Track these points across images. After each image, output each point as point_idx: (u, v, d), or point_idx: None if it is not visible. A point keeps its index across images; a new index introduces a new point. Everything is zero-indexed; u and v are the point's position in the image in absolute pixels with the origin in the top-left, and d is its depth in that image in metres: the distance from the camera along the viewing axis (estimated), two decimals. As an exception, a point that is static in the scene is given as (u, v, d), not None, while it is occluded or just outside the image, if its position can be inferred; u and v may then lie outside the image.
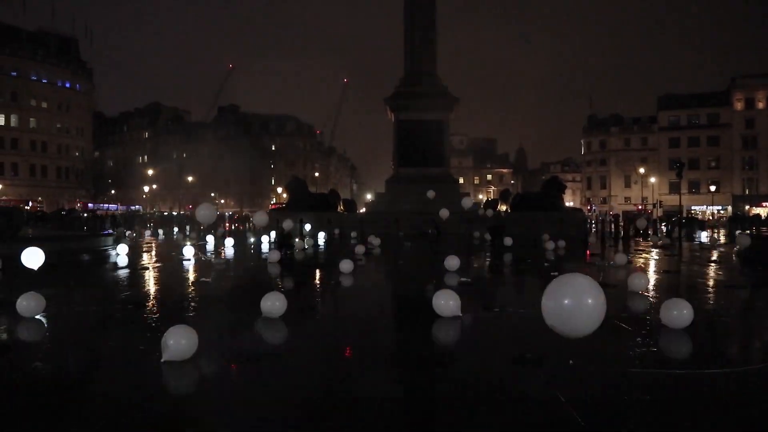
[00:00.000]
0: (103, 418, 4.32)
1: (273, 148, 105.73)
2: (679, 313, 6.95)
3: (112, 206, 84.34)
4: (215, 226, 30.04)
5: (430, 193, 25.74)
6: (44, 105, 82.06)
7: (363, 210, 45.88)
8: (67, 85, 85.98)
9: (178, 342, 5.56)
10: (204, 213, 12.64)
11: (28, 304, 7.66)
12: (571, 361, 5.51)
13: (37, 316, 7.78)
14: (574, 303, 4.53)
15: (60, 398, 4.77)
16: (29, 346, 6.75)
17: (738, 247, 18.41)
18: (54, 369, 5.70)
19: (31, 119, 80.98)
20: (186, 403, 4.79)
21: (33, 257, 10.21)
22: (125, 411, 4.45)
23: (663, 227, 36.36)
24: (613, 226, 32.57)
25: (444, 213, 21.52)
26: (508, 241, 22.11)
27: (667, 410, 4.41)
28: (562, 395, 4.59)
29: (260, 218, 16.80)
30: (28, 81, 79.85)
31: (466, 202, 22.82)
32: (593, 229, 36.49)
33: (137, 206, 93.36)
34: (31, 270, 10.19)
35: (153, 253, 20.86)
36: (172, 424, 4.21)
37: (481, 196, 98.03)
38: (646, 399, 4.63)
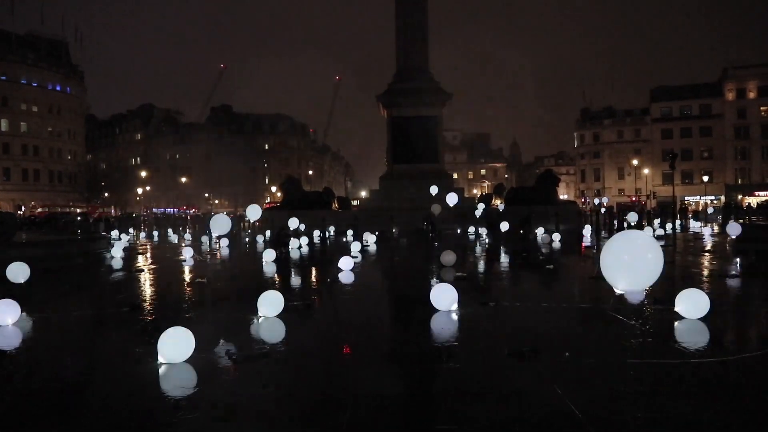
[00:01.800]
0: (99, 421, 4.31)
1: (266, 148, 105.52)
2: (696, 303, 7.08)
3: (168, 210, 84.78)
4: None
5: (433, 189, 25.60)
6: (35, 109, 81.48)
7: (356, 202, 45.80)
8: (58, 88, 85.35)
9: (175, 344, 5.56)
10: (219, 223, 12.75)
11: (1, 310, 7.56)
12: (566, 354, 5.53)
13: (30, 321, 7.74)
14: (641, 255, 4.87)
15: (57, 402, 4.75)
16: (25, 350, 6.71)
17: (731, 236, 18.50)
18: (50, 372, 5.67)
19: (22, 123, 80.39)
20: (183, 405, 4.78)
21: (18, 272, 10.19)
22: (122, 413, 4.44)
23: (656, 221, 36.41)
24: (607, 218, 32.63)
25: (436, 208, 21.50)
26: (504, 226, 22.31)
27: (664, 400, 4.43)
28: (559, 388, 4.61)
29: (253, 211, 16.78)
30: (18, 85, 79.27)
31: (452, 199, 22.74)
32: (587, 222, 36.53)
33: (170, 209, 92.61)
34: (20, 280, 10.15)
35: (148, 254, 20.79)
36: (169, 426, 4.20)
37: (475, 191, 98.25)
38: (643, 390, 4.65)
